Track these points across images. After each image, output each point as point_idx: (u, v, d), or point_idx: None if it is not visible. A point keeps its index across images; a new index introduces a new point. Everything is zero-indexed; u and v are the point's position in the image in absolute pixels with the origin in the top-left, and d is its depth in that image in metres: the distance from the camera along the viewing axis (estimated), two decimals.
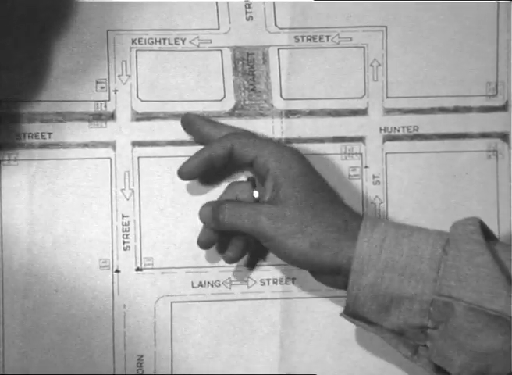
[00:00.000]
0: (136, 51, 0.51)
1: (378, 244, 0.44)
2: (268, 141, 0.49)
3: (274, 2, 0.51)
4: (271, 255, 0.51)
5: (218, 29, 0.51)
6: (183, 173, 0.48)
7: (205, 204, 0.48)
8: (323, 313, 0.51)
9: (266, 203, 0.46)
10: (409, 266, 0.43)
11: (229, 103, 0.51)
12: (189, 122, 0.50)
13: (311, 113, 0.51)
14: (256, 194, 0.48)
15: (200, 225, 0.50)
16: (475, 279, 0.42)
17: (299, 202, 0.45)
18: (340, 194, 0.51)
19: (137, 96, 0.51)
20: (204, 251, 0.51)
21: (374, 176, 0.51)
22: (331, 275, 0.45)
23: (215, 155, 0.47)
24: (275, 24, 0.51)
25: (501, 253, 0.43)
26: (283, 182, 0.46)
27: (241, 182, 0.50)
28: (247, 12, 0.51)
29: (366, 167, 0.51)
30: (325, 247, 0.44)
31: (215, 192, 0.51)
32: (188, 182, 0.51)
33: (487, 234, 0.44)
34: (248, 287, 0.51)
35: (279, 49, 0.51)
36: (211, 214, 0.47)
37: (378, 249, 0.44)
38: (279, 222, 0.45)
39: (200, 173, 0.48)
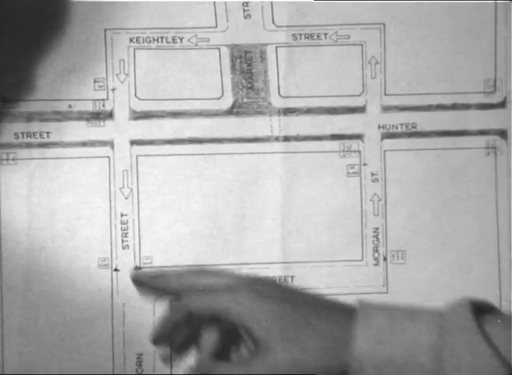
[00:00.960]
0: (134, 49, 0.51)
1: (375, 340, 0.43)
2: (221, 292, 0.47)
3: (272, 1, 0.51)
4: (271, 252, 0.51)
5: (216, 27, 0.51)
6: (157, 342, 0.49)
7: None
8: None
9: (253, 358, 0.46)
10: (408, 360, 0.43)
11: (227, 101, 0.51)
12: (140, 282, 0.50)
13: (309, 111, 0.51)
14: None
15: (199, 223, 0.50)
16: (474, 368, 0.42)
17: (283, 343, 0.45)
18: (338, 192, 0.51)
19: (135, 95, 0.51)
20: (202, 250, 0.51)
21: (372, 174, 0.51)
22: None
23: (176, 322, 0.47)
24: (273, 22, 0.51)
25: (493, 334, 0.43)
26: (258, 332, 0.45)
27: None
28: (244, 11, 0.51)
29: (364, 165, 0.51)
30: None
31: (215, 189, 0.51)
32: (187, 180, 0.51)
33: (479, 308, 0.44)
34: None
35: (276, 47, 0.51)
36: None
37: (375, 345, 0.43)
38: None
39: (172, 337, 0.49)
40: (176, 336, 0.49)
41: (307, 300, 0.47)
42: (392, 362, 0.43)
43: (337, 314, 0.46)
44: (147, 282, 0.49)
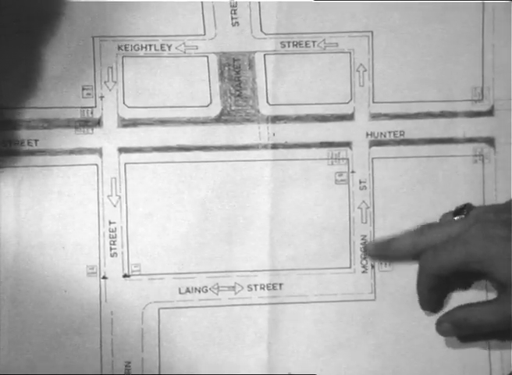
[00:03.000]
0: (123, 57, 0.51)
1: None
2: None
3: (260, 8, 0.51)
4: (259, 260, 0.51)
5: (204, 35, 0.51)
6: (426, 308, 0.50)
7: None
8: (311, 319, 0.51)
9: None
10: None
11: (216, 109, 0.51)
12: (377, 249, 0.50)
13: (298, 119, 0.51)
14: None
15: (187, 231, 0.50)
16: None
17: None
18: (327, 200, 0.51)
19: (124, 102, 0.51)
20: (191, 257, 0.51)
21: (360, 181, 0.51)
22: None
23: (429, 288, 0.49)
24: (261, 30, 0.51)
25: None
26: None
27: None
28: (232, 18, 0.51)
29: (353, 172, 0.52)
30: None
31: (203, 197, 0.51)
32: (175, 188, 0.51)
33: None
34: (235, 293, 0.51)
35: (265, 55, 0.51)
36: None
37: None
38: None
39: (436, 300, 0.50)
40: (435, 298, 0.49)
41: None
42: None
43: None
44: (379, 252, 0.50)
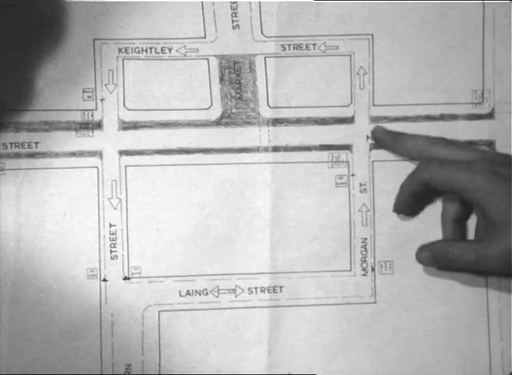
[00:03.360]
0: (123, 60, 0.51)
1: None
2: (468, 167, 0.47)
3: (260, 11, 0.51)
4: (260, 263, 0.51)
5: (205, 37, 0.51)
6: (397, 209, 0.50)
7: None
8: (311, 321, 0.51)
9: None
10: None
11: (216, 112, 0.51)
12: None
13: (298, 121, 0.51)
14: None
15: (188, 233, 0.50)
16: None
17: None
18: (327, 203, 0.51)
19: (124, 105, 0.51)
20: (191, 260, 0.51)
21: (361, 184, 0.52)
22: None
23: (414, 192, 0.49)
24: (262, 33, 0.51)
25: None
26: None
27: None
28: (233, 21, 0.51)
29: (353, 175, 0.52)
30: None
31: (204, 200, 0.51)
32: (176, 190, 0.51)
33: None
34: (236, 296, 0.51)
35: (265, 58, 0.51)
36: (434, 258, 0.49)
37: None
38: None
39: (412, 206, 0.50)
40: (413, 203, 0.50)
41: None
42: None
43: None
44: (388, 141, 0.50)
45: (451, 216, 0.50)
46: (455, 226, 0.50)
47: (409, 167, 0.51)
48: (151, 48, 0.51)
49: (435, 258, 0.49)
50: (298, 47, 0.51)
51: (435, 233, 0.51)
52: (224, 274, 0.51)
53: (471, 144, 0.51)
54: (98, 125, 0.51)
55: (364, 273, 0.51)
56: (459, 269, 0.50)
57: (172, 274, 0.51)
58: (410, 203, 0.50)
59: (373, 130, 0.51)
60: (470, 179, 0.46)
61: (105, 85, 0.51)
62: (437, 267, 0.50)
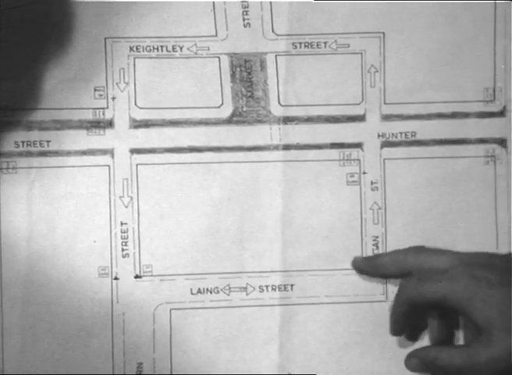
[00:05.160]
0: (134, 58, 0.51)
1: None
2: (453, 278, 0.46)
3: (271, 9, 0.51)
4: (271, 261, 0.51)
5: (216, 36, 0.51)
6: (394, 332, 0.49)
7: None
8: (322, 320, 0.51)
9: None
10: None
11: (227, 110, 0.51)
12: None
13: (309, 119, 0.51)
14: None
15: (199, 232, 0.50)
16: None
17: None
18: (338, 201, 0.51)
19: (135, 103, 0.51)
20: (203, 258, 0.51)
21: (372, 183, 0.51)
22: None
23: (404, 314, 0.48)
24: (273, 31, 0.51)
25: None
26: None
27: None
28: (244, 19, 0.51)
29: (364, 173, 0.52)
30: None
31: (215, 198, 0.51)
32: (187, 188, 0.51)
33: None
34: (247, 294, 0.51)
35: (276, 56, 0.51)
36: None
37: None
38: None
39: (411, 326, 0.49)
40: (407, 323, 0.49)
41: None
42: None
43: None
44: (365, 267, 0.50)
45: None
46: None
47: (420, 165, 0.51)
48: (162, 47, 0.51)
49: (424, 365, 0.48)
50: (309, 45, 0.51)
51: (447, 232, 0.51)
52: (235, 272, 0.51)
53: (443, 250, 0.50)
54: (110, 123, 0.51)
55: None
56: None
57: (184, 272, 0.51)
58: (407, 324, 0.49)
59: (352, 263, 0.51)
60: (450, 289, 0.45)
61: (116, 84, 0.51)
62: (428, 373, 0.49)
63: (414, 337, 0.50)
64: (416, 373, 0.49)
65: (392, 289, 0.51)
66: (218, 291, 0.51)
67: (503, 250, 0.51)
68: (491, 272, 0.45)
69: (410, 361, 0.48)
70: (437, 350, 0.47)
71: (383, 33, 0.51)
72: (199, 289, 0.51)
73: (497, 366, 0.44)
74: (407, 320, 0.49)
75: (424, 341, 0.50)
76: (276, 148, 0.51)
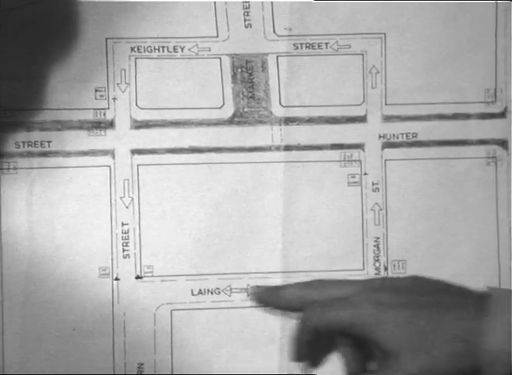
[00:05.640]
0: (135, 59, 0.51)
1: (508, 336, 0.42)
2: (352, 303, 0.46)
3: (272, 10, 0.51)
4: (272, 262, 0.51)
5: (217, 36, 0.51)
6: (296, 359, 0.48)
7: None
8: None
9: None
10: None
11: (229, 110, 0.51)
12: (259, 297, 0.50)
13: (310, 120, 0.51)
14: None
15: (200, 232, 0.50)
16: None
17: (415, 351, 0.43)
18: (339, 202, 0.51)
19: (136, 104, 0.51)
20: (203, 259, 0.51)
21: (373, 183, 0.51)
22: None
23: (308, 342, 0.47)
24: (274, 32, 0.51)
25: None
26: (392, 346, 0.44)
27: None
28: (245, 20, 0.51)
29: (365, 174, 0.52)
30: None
31: (216, 198, 0.51)
32: (188, 189, 0.51)
33: None
34: (248, 295, 0.51)
35: (277, 56, 0.51)
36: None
37: (508, 341, 0.42)
38: None
39: (315, 355, 0.49)
40: (311, 351, 0.48)
41: (431, 301, 0.45)
42: None
43: (466, 312, 0.43)
44: (266, 298, 0.49)
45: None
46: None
47: (421, 166, 0.51)
48: (163, 47, 0.51)
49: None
50: (310, 46, 0.51)
51: (448, 233, 0.51)
52: (236, 273, 0.51)
53: (347, 280, 0.49)
54: (110, 124, 0.51)
55: (376, 272, 0.51)
56: None
57: (185, 273, 0.51)
58: (310, 352, 0.48)
59: (249, 292, 0.50)
60: (354, 315, 0.44)
61: (118, 84, 0.51)
62: None
63: (316, 363, 0.50)
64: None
65: None
66: (219, 292, 0.51)
67: (504, 250, 0.51)
68: (395, 295, 0.45)
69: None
70: None
71: (384, 34, 0.51)
72: (200, 290, 0.51)
73: None
74: (310, 348, 0.48)
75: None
76: (277, 148, 0.51)
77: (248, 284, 0.51)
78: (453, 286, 0.47)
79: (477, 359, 0.42)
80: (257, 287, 0.50)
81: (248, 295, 0.50)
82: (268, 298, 0.49)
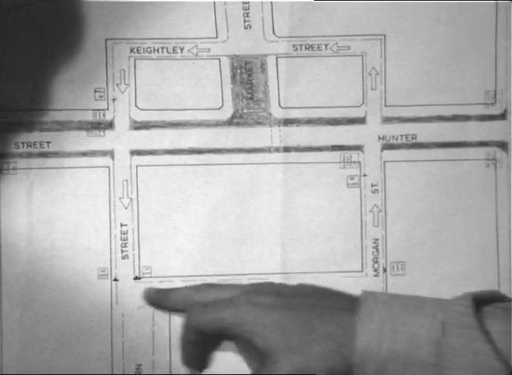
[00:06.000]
0: (135, 59, 0.51)
1: (377, 336, 0.43)
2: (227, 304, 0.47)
3: (272, 11, 0.51)
4: (271, 263, 0.51)
5: (217, 37, 0.51)
6: (186, 363, 0.49)
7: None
8: None
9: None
10: (409, 355, 0.43)
11: (228, 112, 0.51)
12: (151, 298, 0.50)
13: (310, 122, 0.51)
14: None
15: (199, 234, 0.50)
16: (473, 366, 0.42)
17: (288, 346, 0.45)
18: (338, 203, 0.51)
19: (136, 105, 0.51)
20: (202, 260, 0.51)
21: (372, 185, 0.51)
22: None
23: (192, 342, 0.48)
24: (274, 33, 0.51)
25: (494, 331, 0.43)
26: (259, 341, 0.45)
27: None
28: (245, 21, 0.51)
29: (364, 176, 0.51)
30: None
31: (215, 200, 0.51)
32: (187, 190, 0.51)
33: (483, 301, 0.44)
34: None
35: (277, 58, 0.51)
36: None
37: (377, 341, 0.43)
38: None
39: (201, 357, 0.49)
40: (197, 352, 0.49)
41: (309, 303, 0.46)
42: (394, 357, 0.43)
43: (340, 313, 0.45)
44: (156, 300, 0.50)
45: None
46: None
47: (421, 167, 0.51)
48: (162, 48, 0.51)
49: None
50: (310, 47, 0.51)
51: (447, 234, 0.51)
52: (235, 274, 0.51)
53: (233, 284, 0.50)
54: (110, 125, 0.51)
55: (375, 273, 0.51)
56: None
57: (183, 274, 0.51)
58: (197, 354, 0.49)
59: (143, 294, 0.50)
60: (232, 315, 0.46)
61: (117, 85, 0.51)
62: None
63: (202, 365, 0.50)
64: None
65: (393, 292, 0.51)
66: None
67: (503, 252, 0.51)
68: (275, 298, 0.47)
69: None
70: None
71: (384, 35, 0.51)
72: None
73: None
74: (196, 349, 0.49)
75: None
76: (277, 150, 0.51)
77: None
78: (333, 291, 0.49)
79: (348, 358, 0.44)
80: (150, 288, 0.50)
81: (142, 298, 0.50)
82: (157, 300, 0.50)
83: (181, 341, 0.49)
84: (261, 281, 0.50)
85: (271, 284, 0.50)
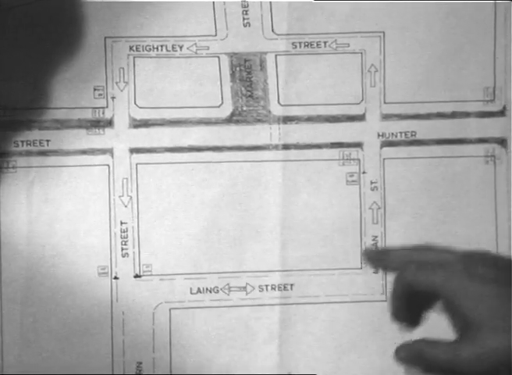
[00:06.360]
0: (134, 57, 0.51)
1: None
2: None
3: (271, 9, 0.51)
4: (271, 261, 0.51)
5: (216, 35, 0.51)
6: (395, 317, 0.47)
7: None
8: (321, 319, 0.51)
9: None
10: None
11: (227, 109, 0.51)
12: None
13: (309, 119, 0.51)
14: None
15: (199, 231, 0.50)
16: None
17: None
18: (338, 200, 0.51)
19: (135, 103, 0.51)
20: (202, 258, 0.51)
21: (372, 182, 0.51)
22: None
23: (401, 296, 0.46)
24: (273, 30, 0.51)
25: None
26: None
27: None
28: (244, 19, 0.51)
29: (364, 173, 0.51)
30: None
31: (214, 197, 0.51)
32: (186, 188, 0.51)
33: None
34: (246, 294, 0.51)
35: (276, 55, 0.51)
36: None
37: None
38: None
39: (410, 312, 0.47)
40: (408, 309, 0.47)
41: None
42: None
43: None
44: (375, 258, 0.49)
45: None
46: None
47: (420, 164, 0.51)
48: (161, 46, 0.51)
49: (411, 358, 0.47)
50: (309, 45, 0.51)
51: (446, 231, 0.51)
52: (235, 272, 0.51)
53: (449, 248, 0.50)
54: (109, 123, 0.51)
55: (374, 270, 0.51)
56: (435, 371, 0.48)
57: (183, 272, 0.51)
58: (405, 309, 0.47)
59: (363, 253, 0.50)
60: (445, 281, 0.45)
61: (116, 83, 0.51)
62: (416, 368, 0.49)
63: (414, 323, 0.50)
64: (405, 365, 0.49)
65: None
66: (217, 291, 0.51)
67: (503, 249, 0.51)
68: (487, 269, 0.45)
69: (399, 353, 0.48)
70: (424, 344, 0.47)
71: (383, 32, 0.51)
72: (199, 288, 0.51)
73: (481, 364, 0.44)
74: (404, 304, 0.49)
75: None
76: (276, 147, 0.51)
77: (247, 283, 0.51)
78: None
79: None
80: (370, 249, 0.50)
81: (362, 257, 0.50)
82: (377, 259, 0.50)
83: (391, 294, 0.47)
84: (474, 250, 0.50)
85: (487, 254, 0.49)
